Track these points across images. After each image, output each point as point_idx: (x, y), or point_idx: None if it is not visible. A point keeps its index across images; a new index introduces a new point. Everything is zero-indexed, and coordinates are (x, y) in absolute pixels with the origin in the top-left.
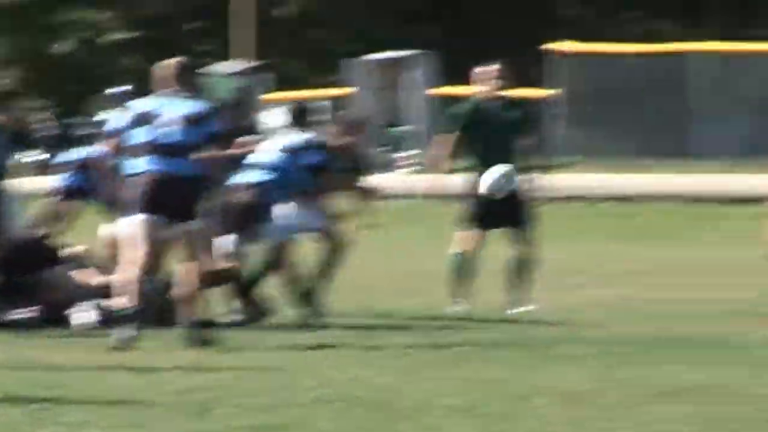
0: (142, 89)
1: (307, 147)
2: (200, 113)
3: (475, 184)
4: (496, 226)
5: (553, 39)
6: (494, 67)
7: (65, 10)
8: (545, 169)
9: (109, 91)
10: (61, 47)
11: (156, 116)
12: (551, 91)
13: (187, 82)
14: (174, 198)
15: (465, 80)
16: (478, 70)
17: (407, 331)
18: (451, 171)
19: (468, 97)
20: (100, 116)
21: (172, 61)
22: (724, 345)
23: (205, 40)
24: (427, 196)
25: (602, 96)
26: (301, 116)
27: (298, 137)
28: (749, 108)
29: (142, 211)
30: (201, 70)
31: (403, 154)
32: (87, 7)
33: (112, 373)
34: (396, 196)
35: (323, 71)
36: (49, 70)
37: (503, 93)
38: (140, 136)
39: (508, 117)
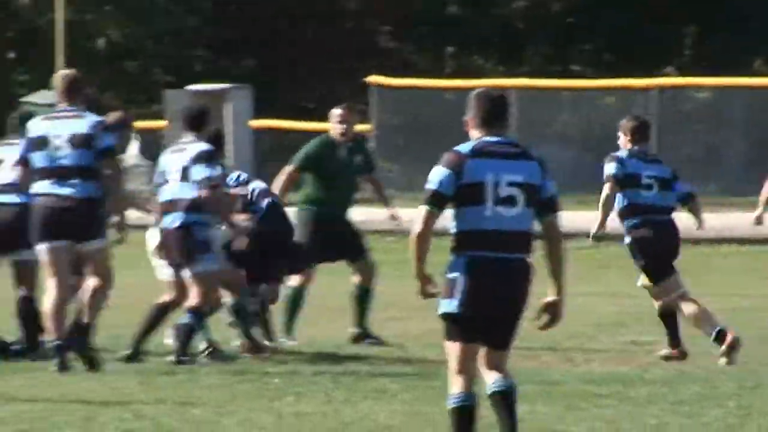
0: None
1: None
2: (89, 133)
3: (311, 218)
4: (332, 258)
5: (374, 72)
6: (338, 112)
7: None
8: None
9: None
10: None
11: (49, 140)
12: (368, 125)
13: (76, 97)
14: (71, 220)
15: (284, 113)
16: (333, 110)
17: (223, 363)
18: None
19: (318, 135)
20: None
21: (61, 74)
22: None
23: (22, 70)
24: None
25: (417, 129)
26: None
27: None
28: (569, 143)
29: (41, 239)
30: (20, 100)
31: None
32: None
33: None
34: None
35: (142, 102)
36: None
37: (349, 135)
38: (37, 160)
39: (352, 159)
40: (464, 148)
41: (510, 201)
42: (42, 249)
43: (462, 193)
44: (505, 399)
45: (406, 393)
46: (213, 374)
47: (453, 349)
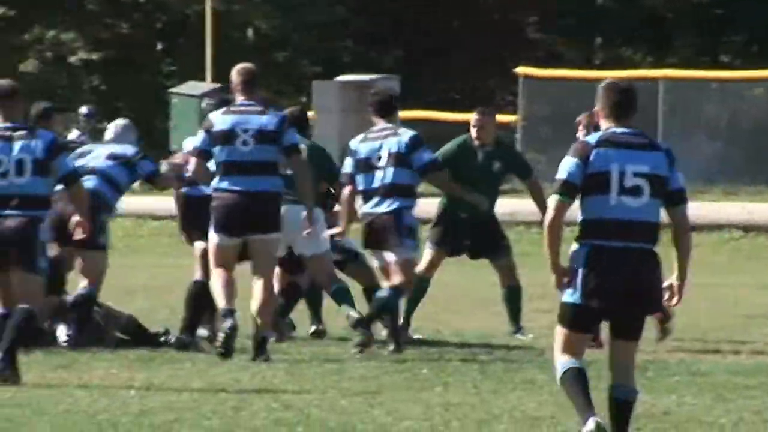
0: (106, 109)
1: None
2: (276, 130)
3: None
4: (469, 255)
5: (522, 63)
6: (474, 116)
7: (29, 29)
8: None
9: (81, 110)
10: (24, 66)
11: (236, 134)
12: (516, 116)
13: (254, 91)
14: (251, 215)
15: (431, 104)
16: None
17: (369, 355)
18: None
19: (465, 126)
20: (69, 135)
21: (238, 68)
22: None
23: (169, 62)
24: None
25: (564, 121)
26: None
27: None
28: (717, 134)
29: (218, 231)
30: (168, 91)
31: None
32: (51, 26)
33: (71, 392)
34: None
35: (290, 93)
36: None
37: (484, 139)
38: (221, 154)
39: (490, 164)
40: (592, 138)
41: (636, 191)
42: (215, 240)
43: (588, 182)
44: (621, 408)
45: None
46: (361, 365)
47: (562, 335)
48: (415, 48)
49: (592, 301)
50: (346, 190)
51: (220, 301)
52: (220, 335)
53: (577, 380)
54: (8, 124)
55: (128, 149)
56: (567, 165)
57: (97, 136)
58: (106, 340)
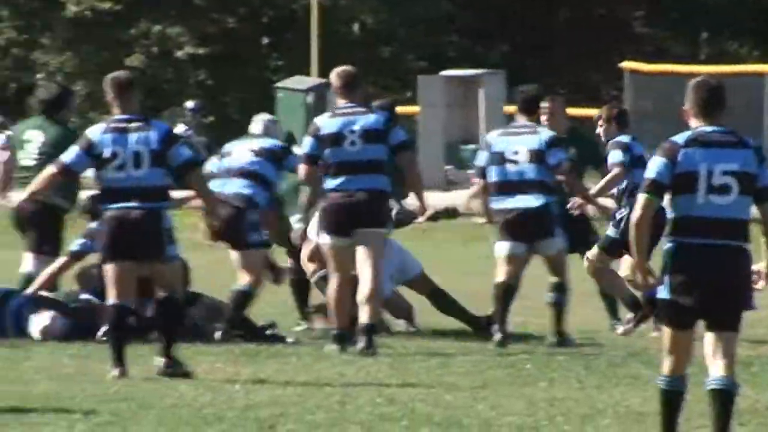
0: (212, 104)
1: None
2: (382, 129)
3: None
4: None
5: (628, 57)
6: (543, 104)
7: (135, 24)
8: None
9: (187, 104)
10: (131, 61)
11: (344, 135)
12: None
13: (355, 93)
14: (360, 214)
15: None
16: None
17: (475, 349)
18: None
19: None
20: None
21: (337, 71)
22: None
23: (275, 56)
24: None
25: (671, 115)
26: None
27: None
28: None
29: (330, 232)
30: (274, 86)
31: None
32: (157, 21)
33: (178, 386)
34: (467, 215)
35: (395, 88)
36: None
37: (554, 126)
38: (330, 156)
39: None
40: (680, 138)
41: (724, 189)
42: (328, 242)
43: (676, 181)
44: (721, 399)
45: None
46: (465, 359)
47: (665, 332)
48: (520, 43)
49: (680, 297)
50: (479, 183)
51: (336, 320)
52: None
53: (668, 406)
54: (124, 116)
55: (275, 144)
56: (655, 165)
57: (202, 130)
58: (212, 334)
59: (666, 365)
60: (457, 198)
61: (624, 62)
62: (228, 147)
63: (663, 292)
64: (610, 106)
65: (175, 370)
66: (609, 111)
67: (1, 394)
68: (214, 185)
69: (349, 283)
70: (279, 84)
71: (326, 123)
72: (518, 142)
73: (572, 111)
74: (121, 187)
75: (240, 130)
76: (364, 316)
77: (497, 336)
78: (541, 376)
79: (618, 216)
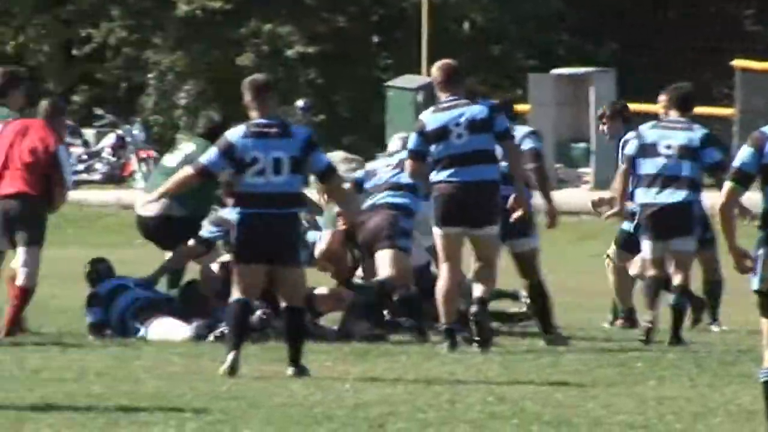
0: (323, 102)
1: None
2: (486, 118)
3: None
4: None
5: (739, 56)
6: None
7: (246, 23)
8: None
9: (297, 103)
10: (241, 60)
11: (447, 129)
12: (732, 109)
13: (458, 87)
14: (472, 205)
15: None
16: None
17: (586, 347)
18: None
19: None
20: None
21: (438, 65)
22: None
23: (385, 55)
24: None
25: None
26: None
27: None
28: None
29: (440, 224)
30: (384, 84)
31: (585, 170)
32: (267, 20)
33: (288, 385)
34: (577, 213)
35: (506, 87)
36: (228, 83)
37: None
38: (436, 151)
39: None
40: None
41: None
42: (438, 234)
43: (764, 171)
44: None
45: None
46: (575, 358)
47: (763, 325)
48: (630, 41)
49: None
50: (623, 169)
51: (443, 317)
52: (473, 325)
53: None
54: (263, 120)
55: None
56: (742, 154)
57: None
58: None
59: (766, 358)
60: (567, 196)
61: (735, 60)
62: (371, 166)
63: (755, 282)
64: (613, 103)
65: (302, 375)
66: (613, 107)
67: (111, 392)
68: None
69: (458, 275)
70: (389, 83)
71: (431, 119)
72: (671, 137)
73: None
74: (259, 192)
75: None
76: (474, 307)
77: (643, 326)
78: (651, 374)
79: (631, 210)
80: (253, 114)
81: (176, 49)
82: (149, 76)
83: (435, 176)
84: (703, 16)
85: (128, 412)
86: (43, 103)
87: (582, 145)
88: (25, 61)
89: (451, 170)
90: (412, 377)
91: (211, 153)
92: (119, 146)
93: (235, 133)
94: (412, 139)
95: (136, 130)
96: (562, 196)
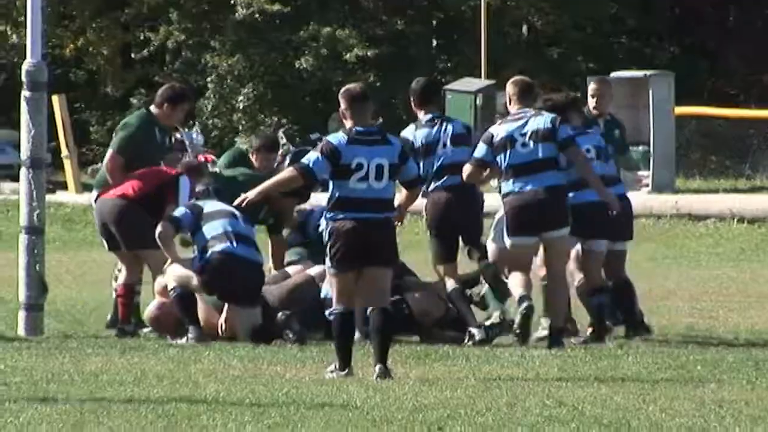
0: (381, 105)
1: None
2: (550, 128)
3: None
4: None
5: None
6: (592, 85)
7: (304, 26)
8: None
9: None
10: (300, 63)
11: (513, 139)
12: None
13: (528, 100)
14: (542, 212)
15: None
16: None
17: (645, 350)
18: None
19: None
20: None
21: (512, 81)
22: None
23: (444, 58)
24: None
25: None
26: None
27: None
28: None
29: (513, 233)
30: (443, 88)
31: (644, 173)
32: (326, 23)
33: (346, 388)
34: (635, 216)
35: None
36: (286, 86)
37: (602, 109)
38: (505, 159)
39: (612, 134)
40: None
41: None
42: (510, 243)
43: None
44: None
45: None
46: (635, 361)
47: None
48: (689, 44)
49: None
50: None
51: (516, 290)
52: (517, 318)
53: None
54: (362, 128)
55: None
56: None
57: None
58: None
59: None
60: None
61: None
62: None
63: None
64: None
65: (386, 375)
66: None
67: (171, 396)
68: None
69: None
70: (447, 86)
71: (497, 130)
72: None
73: (743, 113)
74: (361, 198)
75: None
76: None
77: None
78: (711, 377)
79: None
80: (348, 123)
81: (235, 52)
82: (208, 79)
83: (505, 188)
84: (763, 19)
85: (188, 416)
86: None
87: (641, 148)
88: (85, 64)
89: (520, 180)
90: (470, 380)
91: (315, 155)
92: (178, 149)
93: (337, 139)
94: (480, 149)
95: (195, 134)
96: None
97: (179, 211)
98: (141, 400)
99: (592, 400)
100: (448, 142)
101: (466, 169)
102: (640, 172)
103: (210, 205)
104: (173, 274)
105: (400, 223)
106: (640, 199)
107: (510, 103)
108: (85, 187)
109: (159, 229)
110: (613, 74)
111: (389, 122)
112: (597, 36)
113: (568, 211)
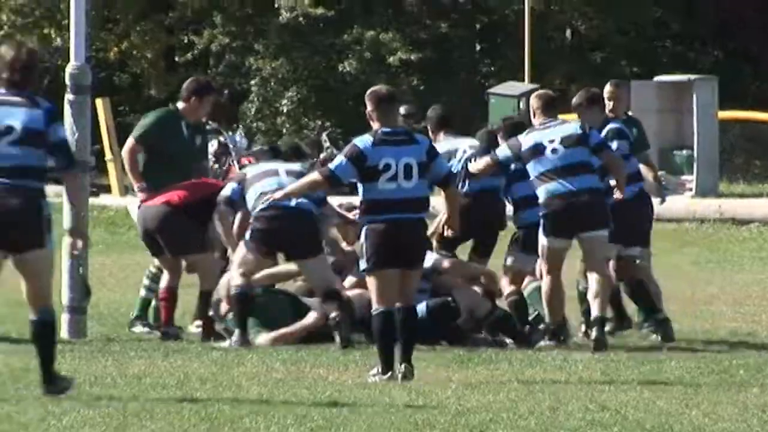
0: (425, 109)
1: None
2: (580, 134)
3: None
4: None
5: None
6: (607, 88)
7: (348, 30)
8: None
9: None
10: (343, 67)
11: (541, 146)
12: None
13: (554, 111)
14: (582, 212)
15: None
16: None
17: (688, 354)
18: None
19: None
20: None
21: (536, 94)
22: None
23: (487, 62)
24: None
25: None
26: None
27: None
28: None
29: (546, 233)
30: (487, 91)
31: (688, 177)
32: (370, 27)
33: (389, 391)
34: (679, 220)
35: None
36: (330, 90)
37: (618, 112)
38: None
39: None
40: None
41: None
42: (547, 244)
43: None
44: None
45: None
46: (678, 365)
47: None
48: (732, 48)
49: None
50: None
51: (553, 316)
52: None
53: None
54: (388, 129)
55: None
56: None
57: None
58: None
59: None
60: (669, 203)
61: None
62: None
63: None
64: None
65: (411, 374)
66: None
67: (213, 399)
68: None
69: (559, 279)
70: (491, 90)
71: (524, 140)
72: None
73: None
74: (391, 199)
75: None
76: (595, 309)
77: None
78: (754, 381)
79: None
80: (375, 124)
81: (278, 55)
82: (251, 82)
83: (541, 193)
84: None
85: (230, 419)
86: None
87: (684, 152)
88: (128, 67)
89: (555, 184)
90: (513, 384)
91: (340, 159)
92: (222, 153)
93: (363, 142)
94: (503, 150)
95: (239, 137)
96: (664, 203)
97: (227, 190)
98: (184, 402)
99: (635, 404)
100: None
101: (482, 161)
102: (684, 176)
103: (252, 170)
104: (238, 258)
105: (453, 232)
106: (683, 203)
107: (534, 116)
108: (129, 191)
109: (216, 214)
110: (657, 78)
111: None
112: (640, 40)
113: (607, 213)
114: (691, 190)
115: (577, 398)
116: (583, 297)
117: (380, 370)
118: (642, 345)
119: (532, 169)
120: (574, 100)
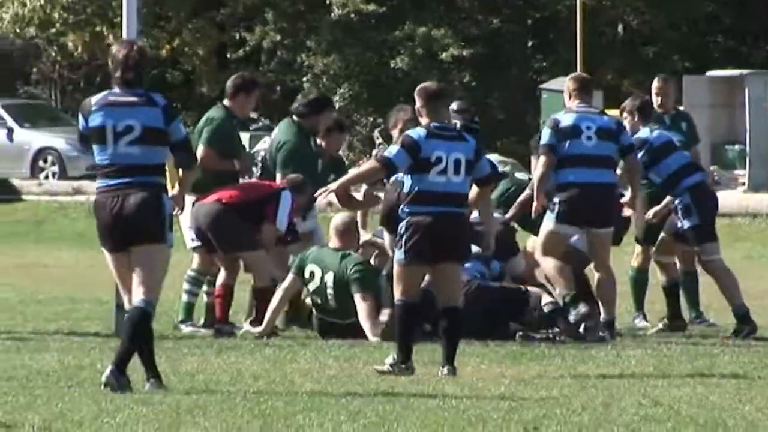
0: (477, 105)
1: None
2: (614, 128)
3: None
4: None
5: None
6: (655, 83)
7: (400, 26)
8: None
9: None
10: (395, 63)
11: (579, 129)
12: None
13: (589, 95)
14: (600, 206)
15: None
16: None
17: (741, 351)
18: None
19: None
20: None
21: (571, 76)
22: None
23: (539, 57)
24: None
25: None
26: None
27: None
28: None
29: (558, 220)
30: (539, 87)
31: (740, 172)
32: (422, 23)
33: (441, 387)
34: (731, 215)
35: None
36: (382, 86)
37: (667, 106)
38: (568, 148)
39: (679, 128)
40: None
41: None
42: (552, 228)
43: None
44: None
45: None
46: (731, 360)
47: None
48: None
49: None
50: None
51: (564, 288)
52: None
53: None
54: (439, 124)
55: None
56: None
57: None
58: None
59: None
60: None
61: None
62: None
63: None
64: (633, 98)
65: (453, 376)
66: (632, 104)
67: (266, 395)
68: None
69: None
70: (543, 85)
71: (564, 117)
72: None
73: None
74: (440, 192)
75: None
76: (603, 311)
77: None
78: None
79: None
80: (424, 120)
81: (330, 52)
82: (304, 79)
83: (561, 177)
84: None
85: (283, 415)
86: None
87: (737, 147)
88: (180, 64)
89: (577, 171)
90: (566, 380)
91: (396, 148)
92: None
93: (417, 133)
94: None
95: None
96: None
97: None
98: (237, 399)
99: (688, 399)
100: None
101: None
102: (736, 171)
103: None
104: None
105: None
106: (735, 197)
107: (570, 98)
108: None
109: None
110: (709, 73)
111: (484, 121)
112: (693, 35)
113: (613, 210)
114: (743, 184)
115: (630, 393)
116: (668, 290)
117: (395, 358)
118: (695, 339)
119: (563, 148)
120: (626, 104)
